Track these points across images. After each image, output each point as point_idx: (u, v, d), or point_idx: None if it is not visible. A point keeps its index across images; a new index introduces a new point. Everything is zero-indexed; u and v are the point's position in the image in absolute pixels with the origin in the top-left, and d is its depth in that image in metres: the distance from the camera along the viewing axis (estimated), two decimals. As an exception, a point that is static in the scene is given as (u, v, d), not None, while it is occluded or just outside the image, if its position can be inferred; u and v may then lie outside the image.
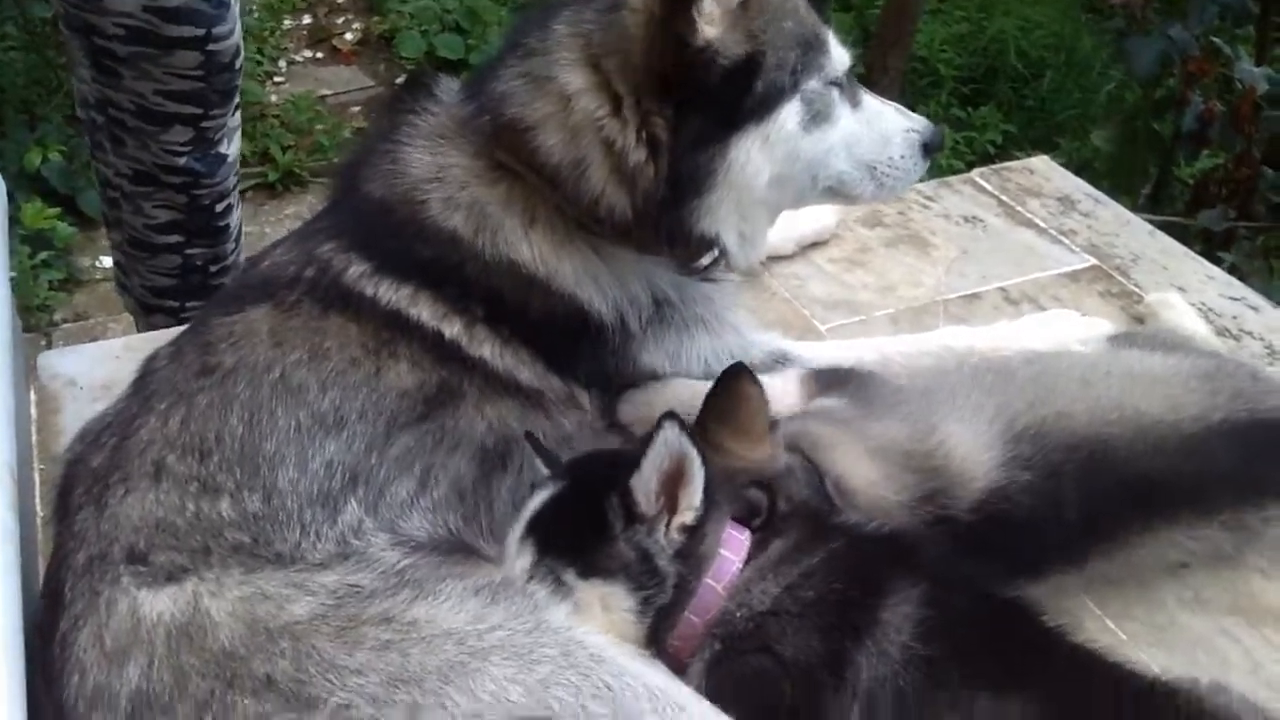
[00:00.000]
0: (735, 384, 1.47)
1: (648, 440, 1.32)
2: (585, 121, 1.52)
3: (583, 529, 1.35)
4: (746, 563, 1.34)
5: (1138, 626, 1.57)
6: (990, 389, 1.58)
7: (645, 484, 1.32)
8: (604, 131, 1.52)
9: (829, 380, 1.70)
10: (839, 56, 1.63)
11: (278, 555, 1.35)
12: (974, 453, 1.49)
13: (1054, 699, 1.23)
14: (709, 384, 1.63)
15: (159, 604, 1.27)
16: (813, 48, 1.58)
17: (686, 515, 1.33)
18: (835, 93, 1.63)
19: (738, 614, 1.32)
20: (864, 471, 1.47)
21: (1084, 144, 4.51)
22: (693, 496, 1.33)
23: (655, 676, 1.26)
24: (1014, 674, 1.26)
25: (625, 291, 1.62)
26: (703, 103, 1.50)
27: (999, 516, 1.46)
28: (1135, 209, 3.25)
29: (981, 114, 4.99)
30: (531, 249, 1.56)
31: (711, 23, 1.47)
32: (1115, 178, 3.69)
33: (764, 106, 1.54)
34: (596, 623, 1.31)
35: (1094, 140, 3.89)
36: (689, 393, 1.65)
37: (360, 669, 1.19)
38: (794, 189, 1.66)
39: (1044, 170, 2.67)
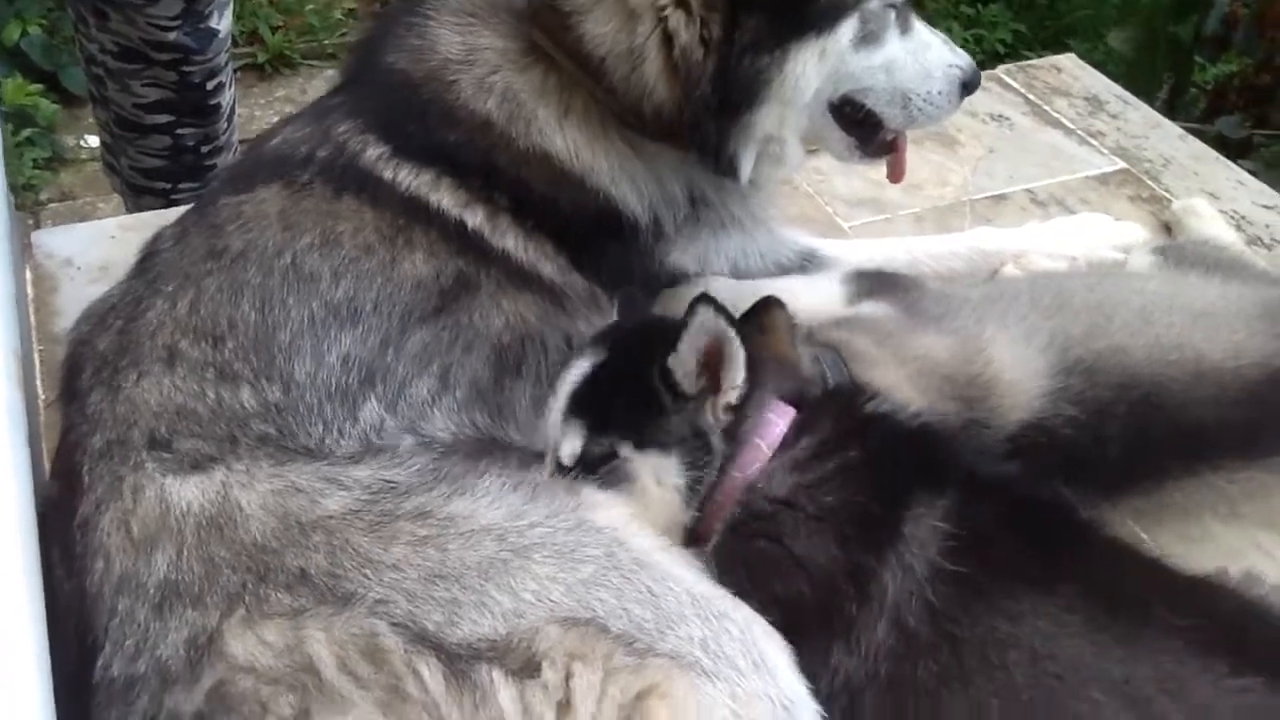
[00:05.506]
0: (765, 315, 1.41)
1: (682, 322, 1.28)
2: (646, 8, 1.44)
3: (634, 403, 1.32)
4: (783, 444, 1.31)
5: (1170, 537, 1.54)
6: (1047, 312, 1.51)
7: (684, 364, 1.30)
8: (668, 22, 1.43)
9: (875, 283, 1.64)
10: None
11: (305, 449, 1.31)
12: (1021, 380, 1.43)
13: (1096, 587, 1.20)
14: (747, 283, 1.57)
15: (187, 493, 1.22)
16: None
17: (730, 395, 1.31)
18: (891, 15, 1.56)
19: (761, 492, 1.29)
20: (903, 396, 1.41)
21: (1096, 45, 4.39)
22: (734, 376, 1.30)
23: (698, 583, 1.22)
24: (1054, 568, 1.22)
25: (662, 191, 1.56)
26: (764, 4, 1.42)
27: (1035, 449, 1.40)
28: (1152, 113, 3.18)
29: (991, 11, 4.83)
30: (566, 142, 1.49)
31: None
32: (1131, 81, 3.60)
33: (825, 18, 1.47)
34: (647, 496, 1.30)
35: (1111, 41, 3.77)
36: (731, 292, 1.58)
37: (397, 564, 1.15)
38: (820, 109, 1.58)
39: (1071, 69, 2.60)
